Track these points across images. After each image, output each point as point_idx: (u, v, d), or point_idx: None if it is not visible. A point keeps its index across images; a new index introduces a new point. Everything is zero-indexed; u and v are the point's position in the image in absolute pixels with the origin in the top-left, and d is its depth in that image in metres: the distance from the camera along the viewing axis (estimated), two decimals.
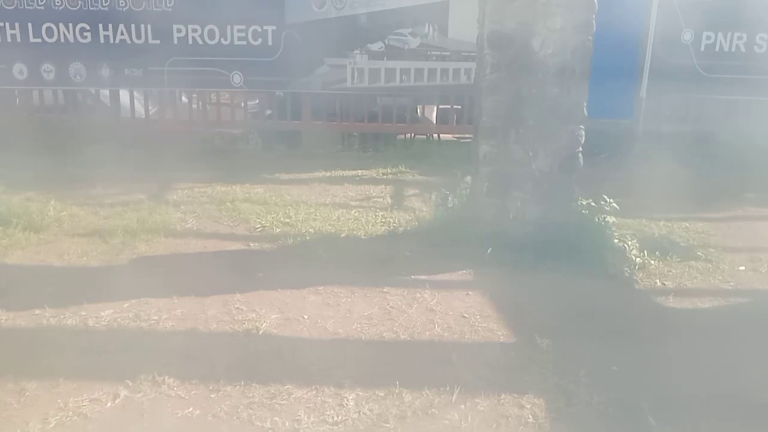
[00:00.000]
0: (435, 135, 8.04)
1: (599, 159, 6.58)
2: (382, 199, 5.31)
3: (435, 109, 7.69)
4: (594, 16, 3.70)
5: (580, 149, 3.90)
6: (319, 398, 2.40)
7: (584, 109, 3.83)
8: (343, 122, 7.21)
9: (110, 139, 6.36)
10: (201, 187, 5.48)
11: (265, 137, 7.32)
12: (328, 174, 6.14)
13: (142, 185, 5.43)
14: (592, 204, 4.05)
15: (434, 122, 7.71)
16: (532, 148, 3.82)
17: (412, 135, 7.94)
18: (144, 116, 7.18)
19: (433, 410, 2.35)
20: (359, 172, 6.25)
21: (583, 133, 3.87)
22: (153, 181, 5.56)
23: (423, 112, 7.92)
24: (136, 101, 7.07)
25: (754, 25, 6.62)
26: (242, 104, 7.38)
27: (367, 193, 5.52)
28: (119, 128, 6.89)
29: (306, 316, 3.09)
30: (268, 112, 7.54)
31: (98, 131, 6.54)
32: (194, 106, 7.35)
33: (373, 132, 7.38)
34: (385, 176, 6.16)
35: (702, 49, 6.68)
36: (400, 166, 6.40)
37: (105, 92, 7.14)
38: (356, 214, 4.80)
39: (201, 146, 6.95)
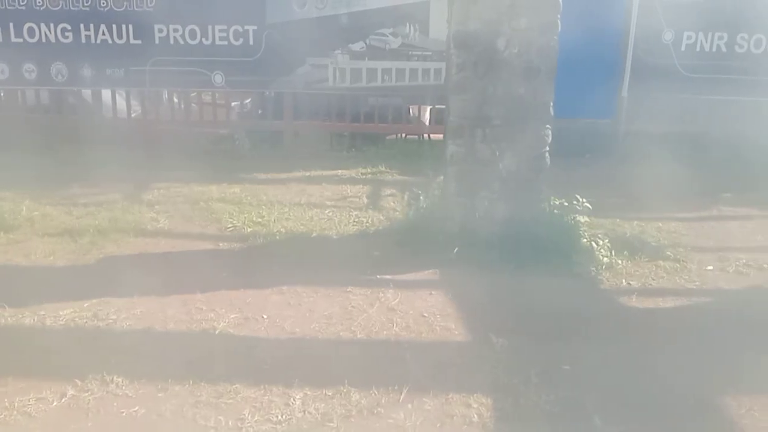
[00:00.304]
0: (426, 135, 7.95)
1: (583, 159, 6.58)
2: (358, 199, 5.30)
3: (425, 109, 7.62)
4: (559, 17, 3.70)
5: (548, 149, 3.90)
6: (267, 397, 2.41)
7: (551, 109, 3.83)
8: (325, 122, 7.21)
9: (92, 139, 6.35)
10: (178, 186, 5.47)
11: (251, 137, 7.30)
12: (308, 174, 6.12)
13: (120, 185, 5.41)
14: (564, 204, 4.05)
15: (426, 122, 7.64)
16: (499, 148, 3.82)
17: (404, 135, 7.87)
18: (126, 116, 7.17)
19: (379, 409, 2.36)
20: (338, 171, 6.23)
21: (550, 133, 3.86)
22: (131, 181, 5.55)
23: (410, 112, 7.84)
24: (118, 100, 7.07)
25: (734, 25, 6.62)
26: (226, 104, 7.37)
27: (343, 193, 5.51)
28: (102, 128, 6.87)
29: (265, 316, 3.09)
30: (256, 112, 7.54)
31: (81, 131, 6.55)
32: (177, 105, 7.34)
33: (357, 131, 7.34)
34: (364, 176, 6.14)
35: (683, 48, 6.68)
36: (380, 166, 6.37)
37: (87, 92, 7.13)
38: (330, 213, 4.80)
39: (185, 146, 6.92)
